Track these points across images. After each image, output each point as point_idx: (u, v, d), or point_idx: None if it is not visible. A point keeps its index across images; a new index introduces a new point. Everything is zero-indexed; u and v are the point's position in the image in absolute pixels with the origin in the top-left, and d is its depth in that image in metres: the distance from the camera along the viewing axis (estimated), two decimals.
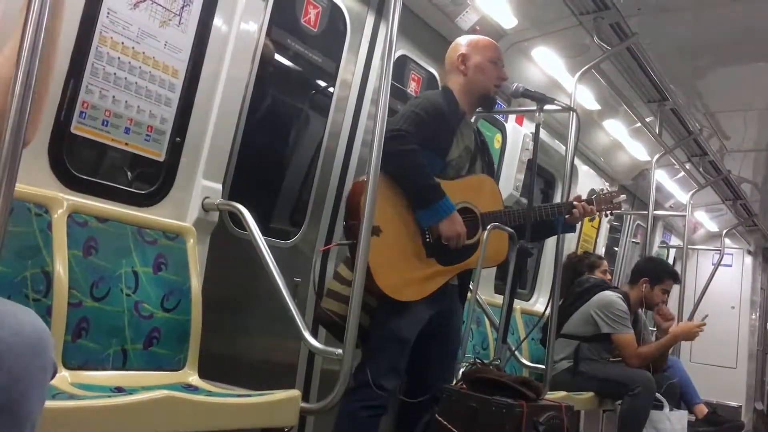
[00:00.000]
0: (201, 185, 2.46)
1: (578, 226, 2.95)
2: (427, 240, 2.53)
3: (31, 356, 1.06)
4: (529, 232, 2.65)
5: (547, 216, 2.78)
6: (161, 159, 2.39)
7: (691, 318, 5.69)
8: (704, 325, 4.37)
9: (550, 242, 4.89)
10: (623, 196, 3.04)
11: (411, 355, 2.57)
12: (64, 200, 2.01)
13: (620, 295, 4.16)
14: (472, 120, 2.83)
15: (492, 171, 2.92)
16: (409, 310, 2.50)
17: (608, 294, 4.15)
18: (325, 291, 2.63)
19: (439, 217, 2.47)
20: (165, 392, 1.62)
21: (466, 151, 2.69)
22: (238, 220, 2.58)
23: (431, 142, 2.51)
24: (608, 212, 3.04)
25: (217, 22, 2.48)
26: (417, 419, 2.60)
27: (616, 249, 6.92)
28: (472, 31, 3.61)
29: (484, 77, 2.69)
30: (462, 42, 2.78)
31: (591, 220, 5.42)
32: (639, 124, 4.88)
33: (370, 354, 2.50)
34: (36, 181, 1.99)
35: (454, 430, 2.25)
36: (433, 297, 2.55)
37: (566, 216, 2.80)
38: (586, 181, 5.59)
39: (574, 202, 2.83)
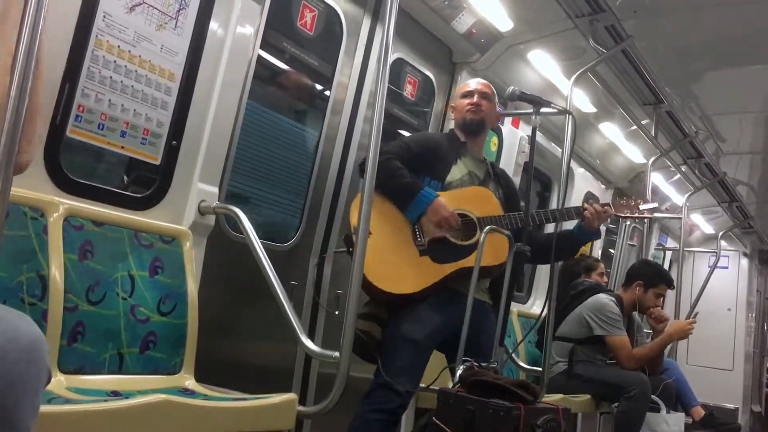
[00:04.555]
0: (197, 188, 2.46)
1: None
2: (419, 239, 2.61)
3: (26, 363, 1.05)
4: (526, 236, 2.65)
5: (547, 220, 2.84)
6: (157, 162, 2.39)
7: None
8: (695, 322, 4.37)
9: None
10: (654, 204, 2.95)
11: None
12: (60, 204, 2.01)
13: (613, 299, 4.16)
14: (482, 153, 2.96)
15: (514, 200, 2.94)
16: (415, 311, 2.56)
17: (601, 297, 4.15)
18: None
19: (423, 206, 2.59)
20: (161, 396, 1.61)
21: (470, 176, 2.80)
22: (234, 224, 2.58)
23: (426, 168, 2.70)
24: (631, 217, 2.91)
25: (213, 25, 2.48)
26: None
27: (612, 252, 6.93)
28: (469, 34, 3.62)
29: (458, 112, 2.92)
30: None
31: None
32: (635, 127, 4.89)
33: (384, 358, 2.55)
34: (32, 184, 1.98)
35: None
36: (441, 304, 2.58)
37: (582, 222, 2.79)
38: (582, 184, 5.60)
39: (585, 205, 2.83)
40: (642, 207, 2.86)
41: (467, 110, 2.85)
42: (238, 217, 2.41)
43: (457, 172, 2.76)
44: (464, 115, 2.86)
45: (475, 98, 2.86)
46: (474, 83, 2.93)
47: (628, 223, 6.74)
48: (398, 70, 3.54)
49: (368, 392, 2.53)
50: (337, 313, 2.64)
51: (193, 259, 2.36)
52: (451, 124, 3.09)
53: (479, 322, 2.63)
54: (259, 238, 2.39)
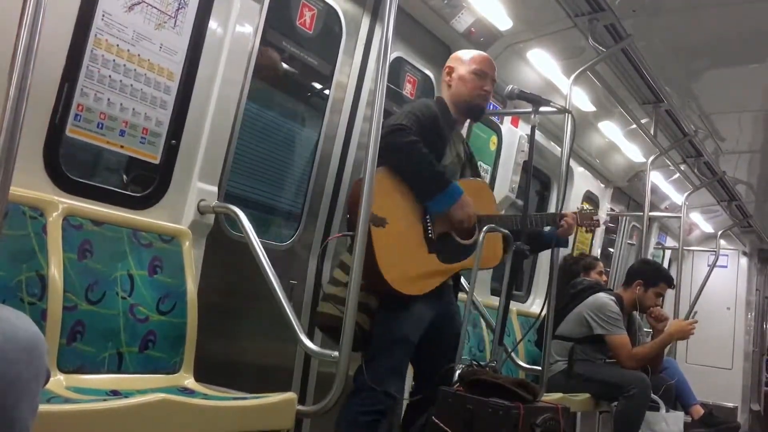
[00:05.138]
0: (196, 188, 2.46)
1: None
2: (429, 236, 2.54)
3: (25, 363, 1.05)
4: (524, 235, 2.65)
5: (534, 225, 2.80)
6: (157, 161, 2.39)
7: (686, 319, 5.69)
8: (696, 322, 4.38)
9: None
10: (603, 216, 3.08)
11: (414, 358, 2.57)
12: (59, 203, 2.01)
13: (613, 298, 4.17)
14: (464, 130, 2.86)
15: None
16: (410, 309, 2.48)
17: (601, 296, 4.16)
18: (322, 295, 2.61)
19: (451, 201, 2.51)
20: (160, 395, 1.61)
21: (458, 159, 2.73)
22: (233, 223, 2.58)
23: (427, 146, 2.51)
24: (588, 228, 2.97)
25: (213, 24, 2.48)
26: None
27: (611, 250, 6.93)
28: (468, 33, 3.62)
29: (465, 88, 2.71)
30: (454, 56, 2.83)
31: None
32: (634, 126, 4.90)
33: (372, 356, 2.45)
34: (31, 184, 1.98)
35: None
36: (433, 297, 2.54)
37: (558, 229, 2.82)
38: (582, 183, 5.60)
39: (564, 213, 2.85)
40: (595, 218, 2.96)
41: (478, 95, 2.71)
42: (237, 216, 2.41)
43: (449, 154, 2.67)
44: (473, 96, 2.70)
45: (489, 85, 2.74)
46: (487, 65, 2.75)
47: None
48: (397, 68, 3.54)
49: (355, 391, 2.41)
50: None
51: (192, 258, 2.36)
52: None
53: (450, 303, 2.68)
54: (258, 237, 2.39)
